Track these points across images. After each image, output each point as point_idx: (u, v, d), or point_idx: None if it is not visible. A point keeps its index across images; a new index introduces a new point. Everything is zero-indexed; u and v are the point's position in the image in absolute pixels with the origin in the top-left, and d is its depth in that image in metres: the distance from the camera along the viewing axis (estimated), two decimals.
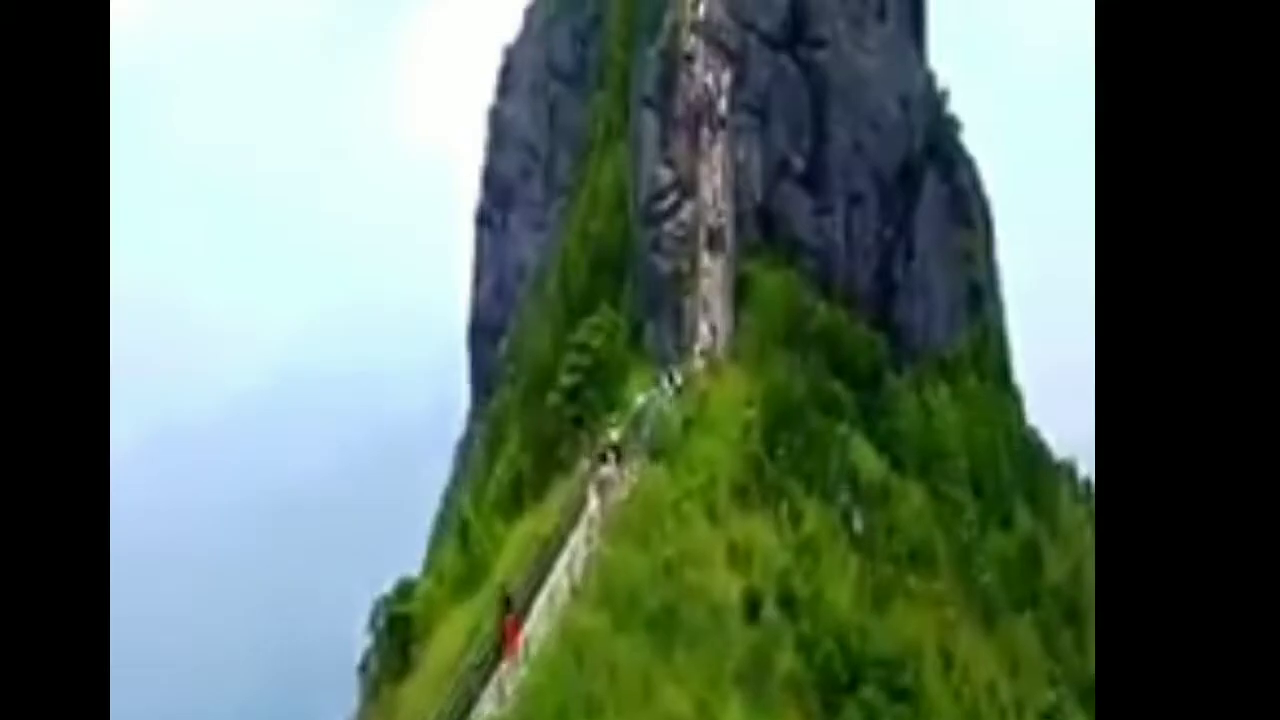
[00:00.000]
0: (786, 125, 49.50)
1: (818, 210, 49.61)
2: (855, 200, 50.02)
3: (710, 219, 46.21)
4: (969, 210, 70.42)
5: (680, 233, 46.07)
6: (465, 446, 73.32)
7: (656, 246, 46.24)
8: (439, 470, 78.39)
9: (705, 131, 47.08)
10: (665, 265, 45.83)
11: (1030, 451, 65.24)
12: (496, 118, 75.66)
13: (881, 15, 52.08)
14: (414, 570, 46.75)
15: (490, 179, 74.97)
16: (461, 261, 77.04)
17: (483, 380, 72.45)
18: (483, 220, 75.42)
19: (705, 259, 45.83)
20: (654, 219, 46.54)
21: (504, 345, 69.03)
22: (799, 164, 49.62)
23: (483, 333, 73.54)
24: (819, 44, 50.75)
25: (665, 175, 47.12)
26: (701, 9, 50.20)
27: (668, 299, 45.71)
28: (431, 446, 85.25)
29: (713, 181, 46.62)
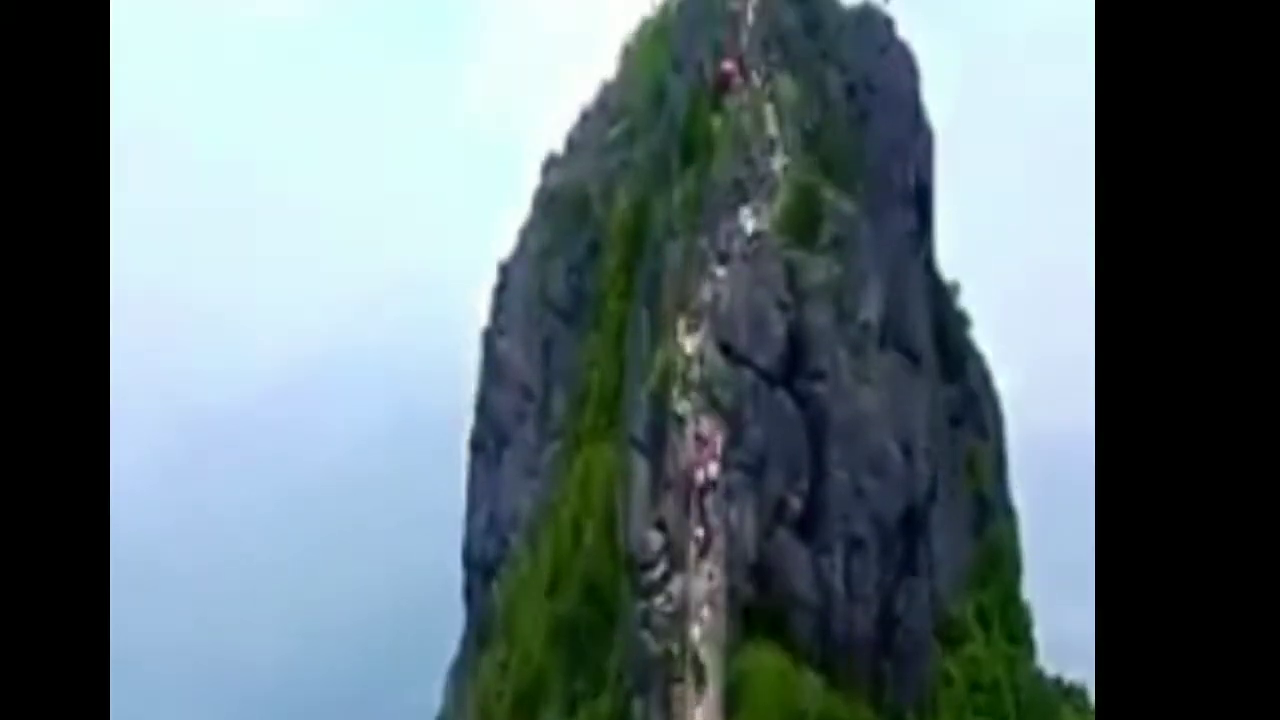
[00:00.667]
0: (783, 469, 47.47)
1: (816, 553, 47.57)
2: (855, 545, 47.93)
3: (701, 592, 44.23)
4: (981, 417, 68.93)
5: (670, 608, 44.12)
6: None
7: (646, 622, 44.29)
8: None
9: (696, 496, 45.06)
10: (654, 645, 43.88)
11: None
12: (490, 343, 73.75)
13: (883, 343, 50.07)
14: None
15: (484, 407, 73.01)
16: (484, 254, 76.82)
17: (476, 620, 70.46)
18: (477, 447, 73.45)
19: (695, 635, 43.86)
20: (644, 592, 44.60)
21: (496, 596, 67.14)
22: (796, 505, 47.59)
23: (475, 569, 71.53)
24: (818, 376, 48.78)
25: (655, 540, 45.19)
26: (689, 344, 48.36)
27: (656, 679, 43.75)
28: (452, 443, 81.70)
29: (705, 551, 44.63)
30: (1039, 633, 63.29)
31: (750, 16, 63.87)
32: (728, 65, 55.87)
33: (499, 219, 77.06)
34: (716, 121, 57.22)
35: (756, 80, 54.22)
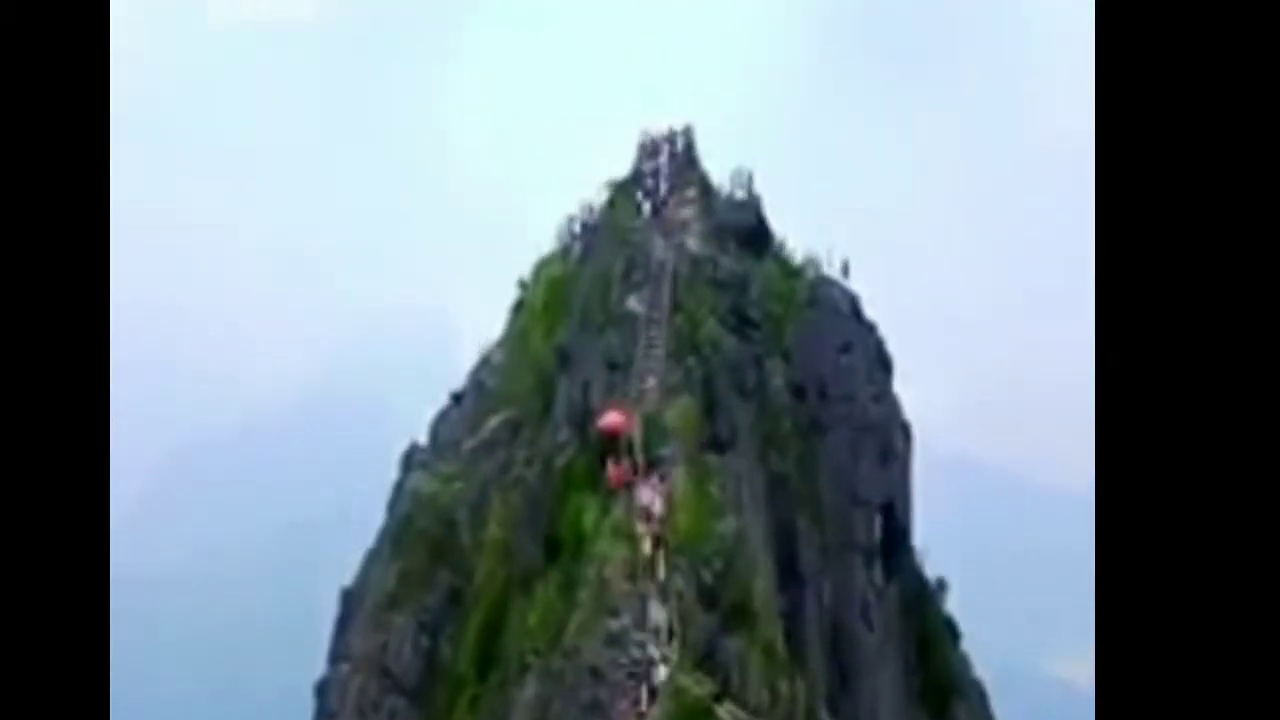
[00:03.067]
0: None
1: None
2: None
3: None
4: None
5: None
6: None
7: None
8: None
9: None
10: None
11: None
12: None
13: None
14: None
15: None
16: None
17: None
18: None
19: None
20: None
21: None
22: None
23: None
24: None
25: None
26: None
27: None
28: None
29: None
30: None
31: (654, 328, 46.33)
32: (613, 473, 38.27)
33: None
34: (591, 513, 39.39)
35: (652, 499, 36.15)
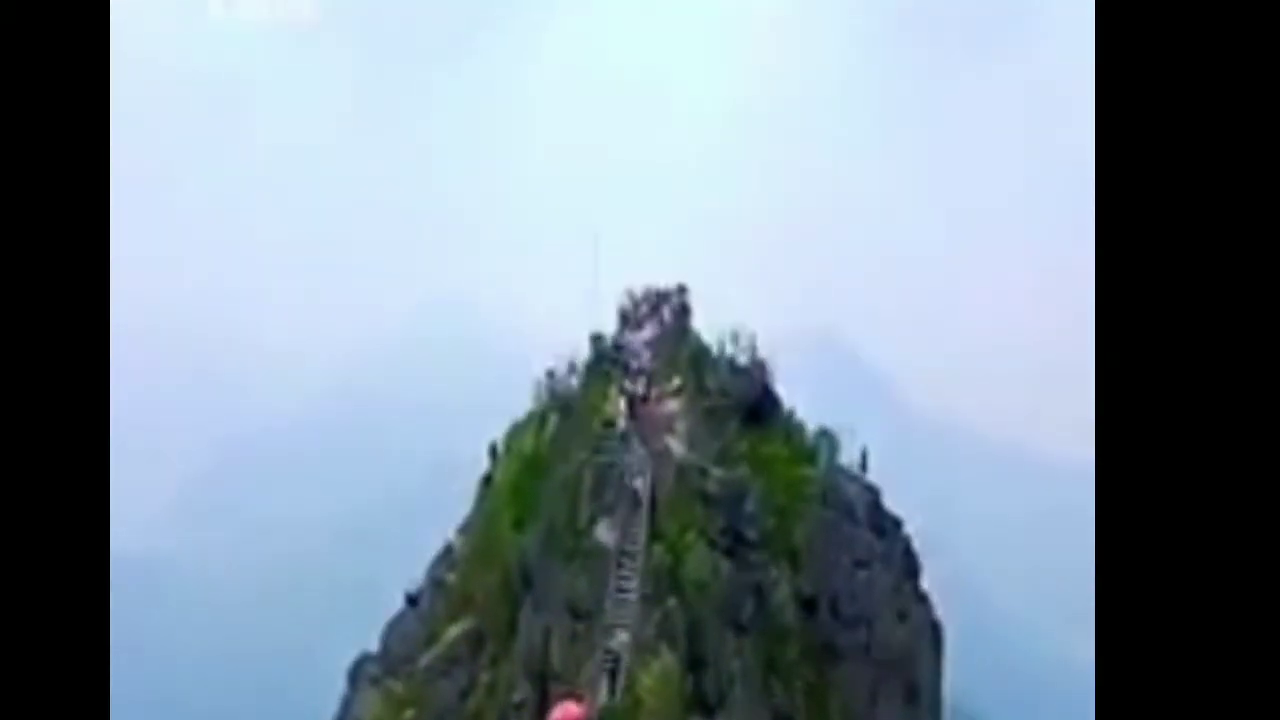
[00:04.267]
0: None
1: None
2: None
3: None
4: None
5: None
6: None
7: None
8: None
9: None
10: None
11: None
12: None
13: None
14: None
15: None
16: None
17: None
18: None
19: None
20: None
21: None
22: None
23: None
24: None
25: None
26: None
27: None
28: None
29: None
30: None
31: (627, 565, 38.24)
32: None
33: None
34: None
35: None
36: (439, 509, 60.71)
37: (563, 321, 59.76)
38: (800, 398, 50.40)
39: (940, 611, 48.55)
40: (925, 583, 48.13)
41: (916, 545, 47.86)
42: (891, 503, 47.25)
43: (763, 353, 47.54)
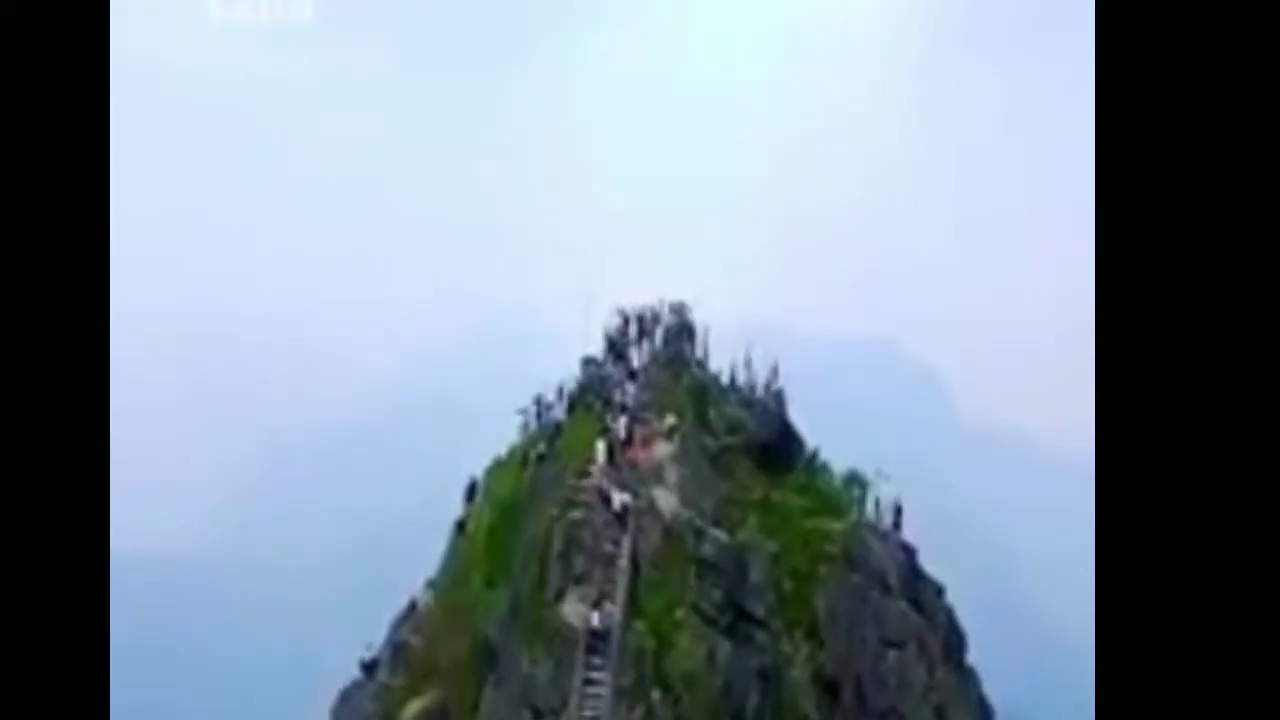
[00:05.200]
0: None
1: None
2: None
3: None
4: None
5: None
6: None
7: None
8: None
9: None
10: None
11: None
12: None
13: None
14: None
15: None
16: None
17: None
18: None
19: None
20: None
21: None
22: None
23: None
24: None
25: None
26: None
27: None
28: None
29: None
30: None
31: (599, 652, 31.02)
32: None
33: None
34: None
35: None
36: None
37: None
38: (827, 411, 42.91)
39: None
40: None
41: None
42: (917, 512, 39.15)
43: (781, 383, 39.97)
